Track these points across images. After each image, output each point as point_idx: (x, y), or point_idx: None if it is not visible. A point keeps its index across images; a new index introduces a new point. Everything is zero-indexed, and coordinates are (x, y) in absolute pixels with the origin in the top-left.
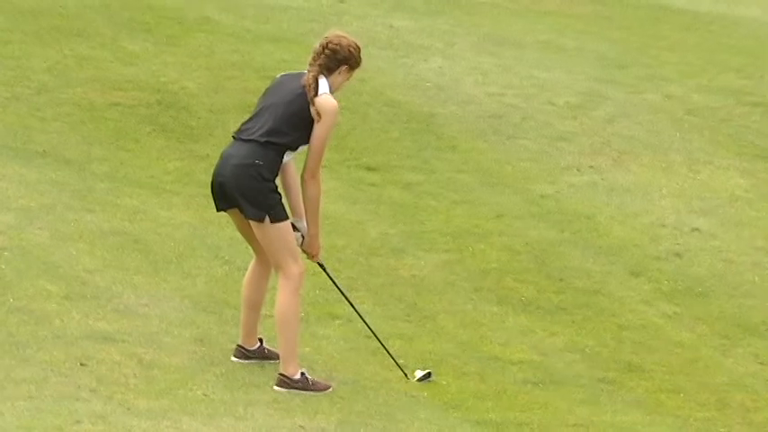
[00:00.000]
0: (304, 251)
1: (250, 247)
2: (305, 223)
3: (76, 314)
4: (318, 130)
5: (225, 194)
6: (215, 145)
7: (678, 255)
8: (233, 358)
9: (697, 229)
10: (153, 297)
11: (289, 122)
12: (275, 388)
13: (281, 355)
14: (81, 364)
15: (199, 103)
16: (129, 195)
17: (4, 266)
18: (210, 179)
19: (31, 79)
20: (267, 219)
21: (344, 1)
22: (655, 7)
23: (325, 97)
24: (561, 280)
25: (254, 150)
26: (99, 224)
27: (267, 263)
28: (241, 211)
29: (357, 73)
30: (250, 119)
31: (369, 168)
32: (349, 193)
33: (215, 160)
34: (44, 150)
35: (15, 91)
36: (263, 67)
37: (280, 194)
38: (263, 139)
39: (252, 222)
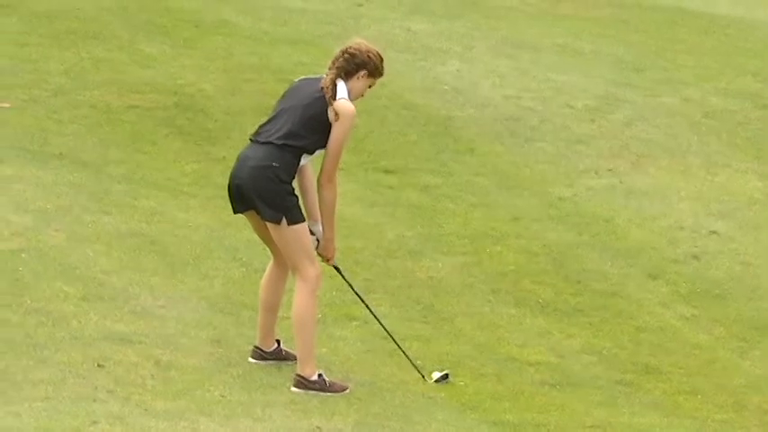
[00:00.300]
0: (319, 254)
1: (267, 249)
2: (320, 227)
3: (94, 315)
4: (335, 134)
5: (242, 196)
6: (232, 147)
7: (696, 257)
8: (250, 359)
9: (715, 232)
10: (170, 298)
11: (306, 126)
12: (292, 389)
13: (298, 357)
14: (98, 366)
15: (216, 106)
16: (146, 197)
17: (21, 268)
18: (227, 181)
19: (48, 82)
20: (284, 221)
21: (362, 4)
22: (672, 10)
23: (343, 101)
24: (579, 282)
25: (271, 153)
26: (116, 226)
27: (284, 265)
28: (258, 213)
29: (378, 82)
30: (267, 121)
31: (386, 171)
32: (367, 195)
33: (232, 162)
34: (61, 153)
35: (32, 93)
36: (280, 69)
37: (297, 197)
38: (280, 142)
39: (269, 224)
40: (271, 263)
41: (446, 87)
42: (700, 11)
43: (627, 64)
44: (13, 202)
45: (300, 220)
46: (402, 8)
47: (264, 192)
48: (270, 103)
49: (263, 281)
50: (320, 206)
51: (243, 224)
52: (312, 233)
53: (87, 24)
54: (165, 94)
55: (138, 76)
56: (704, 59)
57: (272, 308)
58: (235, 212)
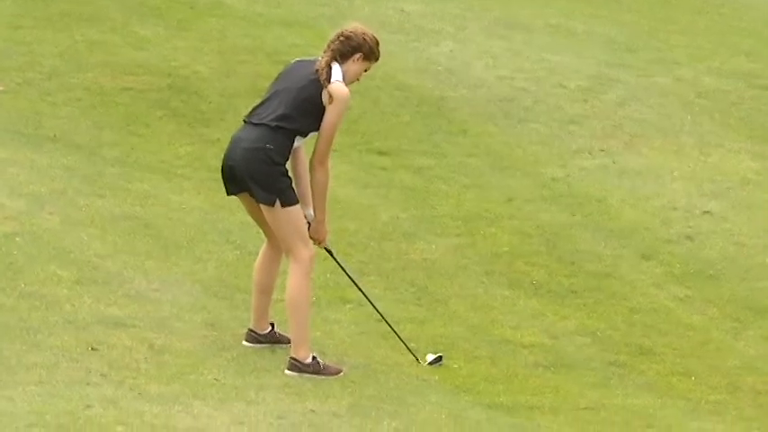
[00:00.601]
0: (311, 237)
1: (261, 232)
2: (311, 210)
3: (88, 299)
4: (329, 117)
5: (235, 178)
6: (226, 129)
7: (689, 238)
8: (244, 342)
9: (708, 212)
10: (164, 282)
11: (300, 108)
12: (286, 372)
13: (292, 340)
14: (92, 349)
15: (210, 88)
16: (139, 180)
17: (15, 252)
18: (221, 163)
19: (42, 64)
20: (278, 203)
21: None
22: None
23: (337, 84)
24: (572, 263)
25: (265, 134)
26: (110, 209)
27: (278, 247)
28: (251, 196)
29: (374, 66)
30: (261, 103)
31: (380, 152)
32: (360, 177)
33: (226, 145)
34: (55, 135)
35: (26, 76)
36: (274, 51)
37: (290, 178)
38: (273, 124)
39: (262, 206)
40: (264, 245)
41: (439, 68)
42: None
43: (620, 44)
44: (7, 185)
45: (294, 201)
46: None
47: (258, 173)
48: (264, 85)
49: (257, 263)
50: (312, 188)
51: (237, 207)
52: (305, 217)
53: (81, 7)
54: (159, 76)
55: (132, 59)
56: (697, 39)
57: (265, 290)
58: (228, 194)
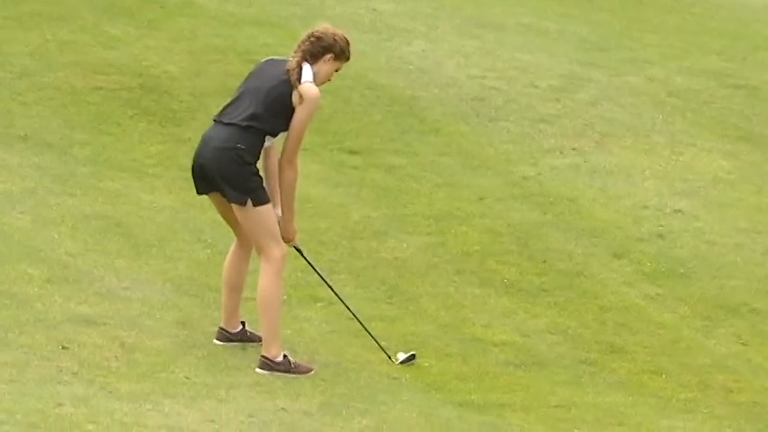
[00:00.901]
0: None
1: (231, 231)
2: (280, 210)
3: (58, 298)
4: (299, 117)
5: (206, 177)
6: (197, 129)
7: (660, 236)
8: (215, 341)
9: (679, 211)
10: (135, 280)
11: (270, 108)
12: (257, 370)
13: (263, 338)
14: (63, 348)
15: (181, 87)
16: (110, 179)
17: None
18: (191, 162)
19: (12, 64)
20: (249, 202)
21: None
22: None
23: (307, 85)
24: (543, 262)
25: (235, 134)
26: (81, 208)
27: (248, 245)
28: (222, 195)
29: (345, 66)
30: (231, 102)
31: (351, 152)
32: (331, 176)
33: (197, 144)
34: (25, 134)
35: None
36: (245, 50)
37: (261, 177)
38: (244, 123)
39: (234, 206)
40: (234, 243)
41: (411, 67)
42: None
43: (591, 43)
44: None
45: (265, 201)
46: None
47: (228, 173)
48: (235, 85)
49: (227, 261)
50: (281, 186)
51: (208, 206)
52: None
53: (51, 6)
54: (130, 76)
55: (103, 58)
56: (669, 38)
57: (235, 288)
58: (198, 194)
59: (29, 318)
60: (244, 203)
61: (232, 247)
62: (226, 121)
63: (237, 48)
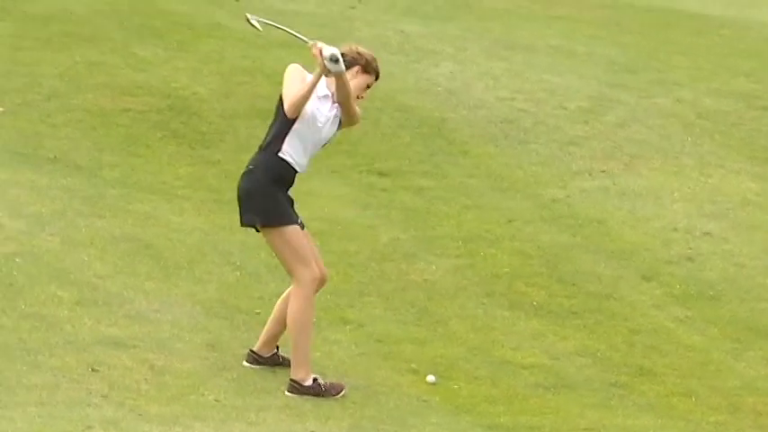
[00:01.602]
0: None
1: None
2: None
3: (88, 320)
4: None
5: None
6: (226, 150)
7: (690, 259)
8: (245, 363)
9: (708, 233)
10: (164, 302)
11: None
12: (287, 393)
13: (292, 361)
14: (92, 370)
15: (209, 109)
16: (139, 201)
17: (15, 272)
18: (222, 184)
19: (42, 85)
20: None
21: (355, 6)
22: (665, 11)
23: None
24: (573, 284)
25: (256, 157)
26: (110, 230)
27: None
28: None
29: (375, 85)
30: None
31: (380, 173)
32: (360, 198)
33: (226, 166)
34: (55, 156)
35: (26, 97)
36: (273, 72)
37: (283, 199)
38: (264, 144)
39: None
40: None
41: (439, 89)
42: (693, 12)
43: (620, 65)
44: (8, 206)
45: (288, 222)
46: (395, 10)
47: (246, 195)
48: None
49: (283, 295)
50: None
51: (236, 227)
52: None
53: (81, 27)
54: (159, 97)
55: (132, 80)
56: (698, 60)
57: (281, 320)
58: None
59: (59, 340)
60: (266, 226)
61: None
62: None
63: (266, 69)
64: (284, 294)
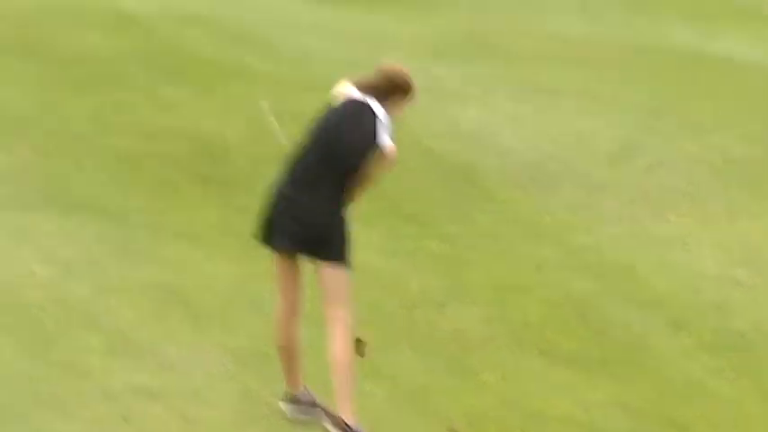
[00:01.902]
0: None
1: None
2: None
3: (118, 368)
4: None
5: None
6: (255, 195)
7: (719, 307)
8: (280, 403)
9: (738, 281)
10: (195, 351)
11: None
12: (329, 427)
13: (341, 402)
14: (124, 420)
15: (238, 153)
16: (168, 246)
17: (45, 320)
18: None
19: (69, 128)
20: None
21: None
22: (691, 55)
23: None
24: (602, 333)
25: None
26: (139, 276)
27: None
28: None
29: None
30: None
31: (407, 220)
32: (387, 245)
33: (255, 212)
34: (83, 201)
35: (55, 140)
36: (301, 113)
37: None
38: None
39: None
40: (281, 308)
41: (465, 133)
42: (720, 55)
43: (647, 109)
44: (38, 252)
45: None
46: (422, 53)
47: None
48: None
49: (280, 329)
50: None
51: (267, 275)
52: None
53: (107, 69)
54: (186, 140)
55: (159, 122)
56: (725, 104)
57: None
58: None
59: (89, 389)
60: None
61: (280, 313)
62: None
63: (293, 112)
64: (279, 330)
